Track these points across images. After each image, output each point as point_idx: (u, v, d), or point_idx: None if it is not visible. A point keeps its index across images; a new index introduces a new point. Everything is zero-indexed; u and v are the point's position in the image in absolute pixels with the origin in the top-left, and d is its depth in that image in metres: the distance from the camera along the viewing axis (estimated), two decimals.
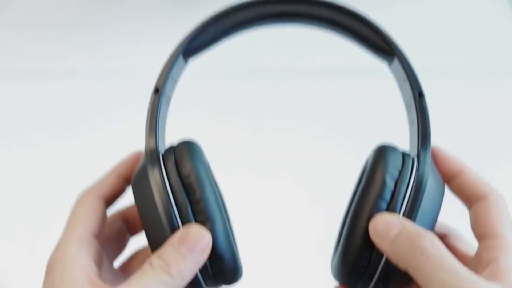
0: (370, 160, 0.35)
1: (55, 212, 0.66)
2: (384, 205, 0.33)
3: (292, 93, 0.79)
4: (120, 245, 0.40)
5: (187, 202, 0.32)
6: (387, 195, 0.33)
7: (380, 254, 0.32)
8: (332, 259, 0.37)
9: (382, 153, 0.35)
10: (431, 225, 0.33)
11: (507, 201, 0.34)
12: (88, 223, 0.34)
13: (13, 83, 0.82)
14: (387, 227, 0.31)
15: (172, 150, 0.34)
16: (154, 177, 0.32)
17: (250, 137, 0.73)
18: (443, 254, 0.30)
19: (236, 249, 0.34)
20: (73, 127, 0.75)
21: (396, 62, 0.38)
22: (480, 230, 0.33)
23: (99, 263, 0.34)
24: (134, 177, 0.34)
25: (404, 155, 0.35)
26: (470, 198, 0.35)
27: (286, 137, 0.73)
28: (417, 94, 0.37)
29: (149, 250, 0.32)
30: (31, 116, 0.78)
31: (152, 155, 0.33)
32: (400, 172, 0.34)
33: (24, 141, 0.74)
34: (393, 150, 0.35)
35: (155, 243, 0.31)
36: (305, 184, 0.67)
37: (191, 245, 0.30)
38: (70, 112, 0.78)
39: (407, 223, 0.32)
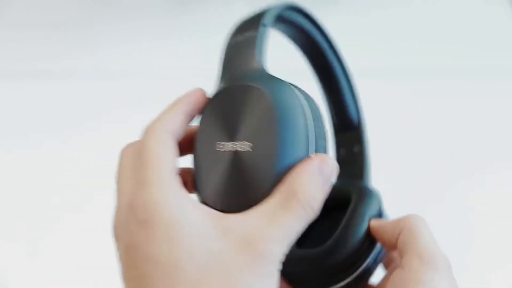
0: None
1: (55, 212, 0.66)
2: None
3: None
4: None
5: (322, 133, 0.30)
6: None
7: None
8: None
9: None
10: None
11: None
12: (171, 163, 0.28)
13: (13, 83, 0.82)
14: None
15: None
16: (300, 100, 0.30)
17: None
18: None
19: None
20: (73, 127, 0.75)
21: None
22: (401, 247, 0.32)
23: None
24: (280, 92, 0.30)
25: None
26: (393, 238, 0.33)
27: None
28: None
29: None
30: (31, 116, 0.78)
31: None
32: None
33: (23, 141, 0.74)
34: None
35: (289, 162, 0.28)
36: None
37: (329, 177, 0.28)
38: (70, 112, 0.78)
39: None
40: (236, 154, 0.29)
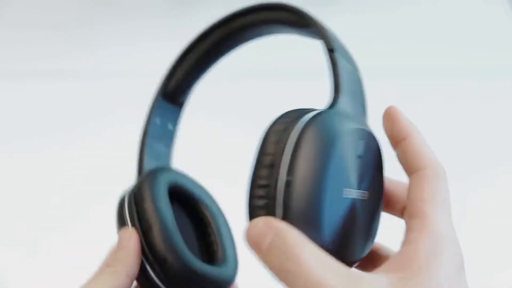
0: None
1: (55, 213, 0.66)
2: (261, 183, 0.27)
3: (292, 93, 0.79)
4: None
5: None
6: (264, 172, 0.27)
7: None
8: None
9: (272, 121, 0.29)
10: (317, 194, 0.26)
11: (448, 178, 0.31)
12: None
13: (13, 83, 0.82)
14: (259, 237, 0.26)
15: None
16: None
17: (249, 137, 0.73)
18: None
19: (187, 255, 0.34)
20: (73, 127, 0.75)
21: (315, 31, 0.37)
22: (409, 207, 0.30)
23: None
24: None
25: (302, 112, 0.28)
26: (410, 167, 0.31)
27: None
28: (328, 51, 0.36)
29: None
30: (31, 117, 0.78)
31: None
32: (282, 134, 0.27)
33: (23, 142, 0.74)
34: (289, 112, 0.29)
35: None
36: None
37: (121, 244, 0.35)
38: (70, 113, 0.78)
39: (282, 226, 0.26)
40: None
